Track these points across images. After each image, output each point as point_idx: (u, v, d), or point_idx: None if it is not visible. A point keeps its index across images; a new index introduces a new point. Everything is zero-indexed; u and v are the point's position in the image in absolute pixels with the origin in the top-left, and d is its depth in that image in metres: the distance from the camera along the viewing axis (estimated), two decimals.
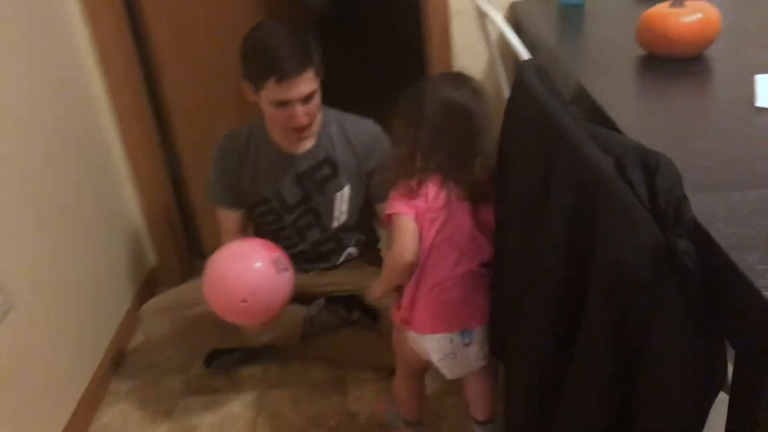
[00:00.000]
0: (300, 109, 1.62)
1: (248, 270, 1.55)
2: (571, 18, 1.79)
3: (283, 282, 1.58)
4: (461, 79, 1.33)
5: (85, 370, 1.82)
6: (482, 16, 1.58)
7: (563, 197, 0.88)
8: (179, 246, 2.32)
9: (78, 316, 1.80)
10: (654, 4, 1.79)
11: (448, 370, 1.37)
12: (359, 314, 1.86)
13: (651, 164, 0.84)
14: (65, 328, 1.73)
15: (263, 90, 1.61)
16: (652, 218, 0.79)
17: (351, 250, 1.93)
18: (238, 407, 1.80)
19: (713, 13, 1.29)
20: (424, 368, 1.50)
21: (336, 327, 1.89)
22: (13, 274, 1.52)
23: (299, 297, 1.91)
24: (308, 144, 1.77)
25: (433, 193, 1.29)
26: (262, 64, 1.59)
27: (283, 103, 1.62)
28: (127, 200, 2.22)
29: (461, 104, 1.28)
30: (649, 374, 0.84)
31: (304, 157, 1.77)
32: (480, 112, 1.29)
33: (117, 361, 1.99)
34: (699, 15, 1.28)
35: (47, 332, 1.64)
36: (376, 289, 1.42)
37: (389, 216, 1.32)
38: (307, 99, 1.63)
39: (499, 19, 1.43)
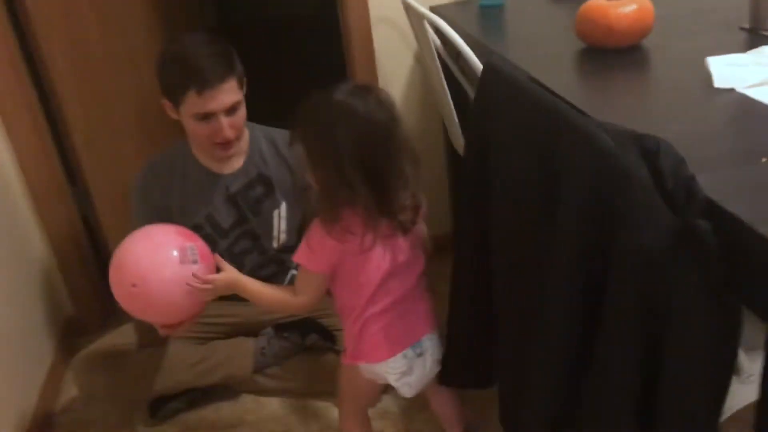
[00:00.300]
0: (225, 121, 1.54)
1: (146, 251, 1.33)
2: (493, 18, 1.81)
3: (186, 274, 1.31)
4: (368, 92, 1.16)
5: None
6: (418, 18, 1.56)
7: (575, 187, 0.86)
8: (97, 290, 2.13)
9: None
10: (571, 4, 1.86)
11: (408, 388, 1.32)
12: (316, 338, 1.78)
13: (650, 148, 0.84)
14: None
15: (184, 104, 1.53)
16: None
17: (294, 272, 1.84)
18: None
19: (647, 3, 1.33)
20: (377, 398, 1.44)
21: (289, 355, 1.80)
22: None
23: (245, 329, 1.81)
24: (238, 162, 1.68)
25: (361, 232, 1.17)
26: (180, 76, 1.50)
27: (206, 116, 1.53)
28: (34, 244, 2.01)
29: (380, 125, 1.13)
30: (673, 355, 0.83)
31: (235, 177, 1.68)
32: (398, 130, 1.16)
33: (46, 426, 1.78)
34: (634, 6, 1.32)
35: None
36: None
37: (296, 260, 1.23)
38: (231, 110, 1.55)
39: (440, 21, 1.42)
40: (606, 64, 1.33)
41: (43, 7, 1.85)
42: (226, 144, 1.59)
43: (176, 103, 1.54)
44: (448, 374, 1.37)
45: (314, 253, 1.19)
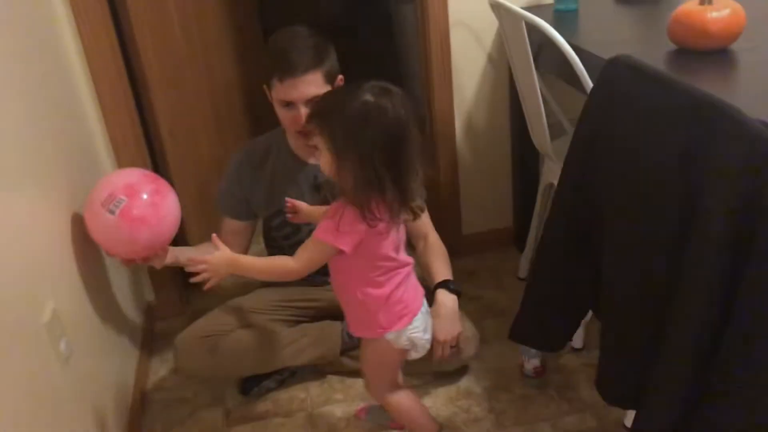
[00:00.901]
0: (304, 111, 1.60)
1: (101, 182, 1.56)
2: (569, 22, 1.92)
3: (101, 219, 1.50)
4: (391, 93, 1.26)
5: (119, 419, 1.69)
6: (512, 19, 1.67)
7: (722, 172, 0.96)
8: (176, 277, 2.22)
9: (101, 360, 1.67)
10: (635, 6, 1.98)
11: (425, 346, 1.50)
12: None
13: None
14: (91, 375, 1.58)
15: (273, 90, 1.63)
16: None
17: None
18: (291, 429, 1.75)
19: (739, 8, 1.45)
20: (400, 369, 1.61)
21: None
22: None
23: (331, 312, 1.90)
24: None
25: (386, 217, 1.30)
26: (271, 63, 1.61)
27: (288, 104, 1.63)
28: None
29: (406, 125, 1.24)
30: None
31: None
32: (415, 129, 1.27)
33: (143, 404, 1.87)
34: (728, 11, 1.43)
35: (78, 377, 1.50)
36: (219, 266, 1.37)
37: (321, 238, 1.32)
38: (312, 103, 1.63)
39: (542, 22, 1.53)
40: (699, 64, 1.45)
41: (138, 5, 1.96)
42: (305, 133, 1.67)
43: (269, 87, 1.64)
44: (520, 331, 1.52)
45: (343, 234, 1.30)
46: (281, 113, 1.66)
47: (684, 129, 1.04)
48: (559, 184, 1.41)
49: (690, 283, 1.06)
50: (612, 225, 1.25)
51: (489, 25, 2.07)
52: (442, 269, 1.77)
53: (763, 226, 0.93)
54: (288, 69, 1.57)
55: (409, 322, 1.44)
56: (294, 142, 1.77)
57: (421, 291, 1.49)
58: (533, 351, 1.80)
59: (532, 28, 1.63)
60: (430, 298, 1.66)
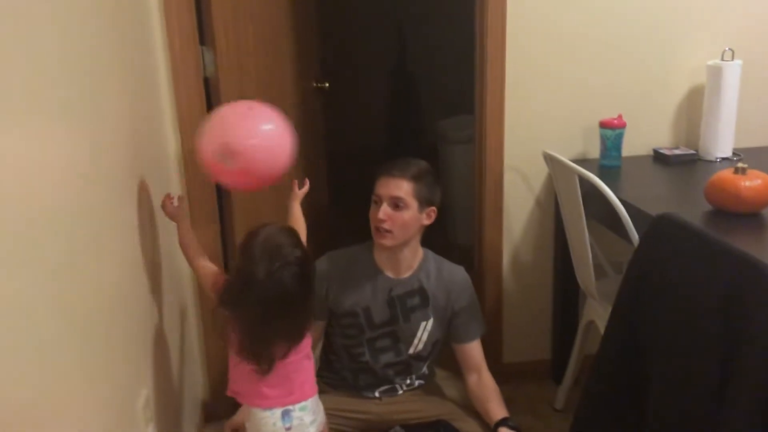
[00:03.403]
0: (385, 209, 1.82)
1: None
2: (613, 177, 2.14)
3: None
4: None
5: None
6: (566, 171, 1.90)
7: (757, 326, 1.12)
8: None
9: None
10: (672, 167, 2.21)
11: None
12: None
13: None
14: None
15: (375, 189, 1.87)
16: None
17: (414, 378, 2.06)
18: None
19: None
20: None
21: None
22: None
23: (377, 425, 2.00)
24: (407, 272, 1.95)
25: None
26: (382, 166, 1.87)
27: (376, 200, 1.86)
28: (191, 332, 2.27)
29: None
30: None
31: (400, 283, 1.95)
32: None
33: None
34: (759, 181, 1.64)
35: None
36: None
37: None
38: (395, 205, 1.82)
39: (595, 178, 1.75)
40: (733, 225, 1.64)
41: (219, 14, 2.17)
42: (380, 230, 1.86)
43: (374, 186, 1.88)
44: None
45: None
46: (371, 209, 1.88)
47: (723, 281, 1.21)
48: (607, 326, 1.57)
49: (730, 422, 1.18)
50: (657, 365, 1.40)
51: (540, 171, 2.31)
52: (499, 408, 1.90)
53: None
54: (389, 169, 1.84)
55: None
56: (380, 257, 1.95)
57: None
58: None
59: (581, 179, 1.85)
60: None
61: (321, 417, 1.62)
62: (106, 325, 1.26)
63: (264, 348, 1.47)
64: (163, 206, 1.68)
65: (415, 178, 1.84)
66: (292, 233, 1.54)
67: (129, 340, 1.44)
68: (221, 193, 2.26)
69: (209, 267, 1.64)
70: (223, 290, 1.51)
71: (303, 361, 1.58)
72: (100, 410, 1.18)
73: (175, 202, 1.69)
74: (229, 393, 1.62)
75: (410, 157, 1.91)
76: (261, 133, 1.53)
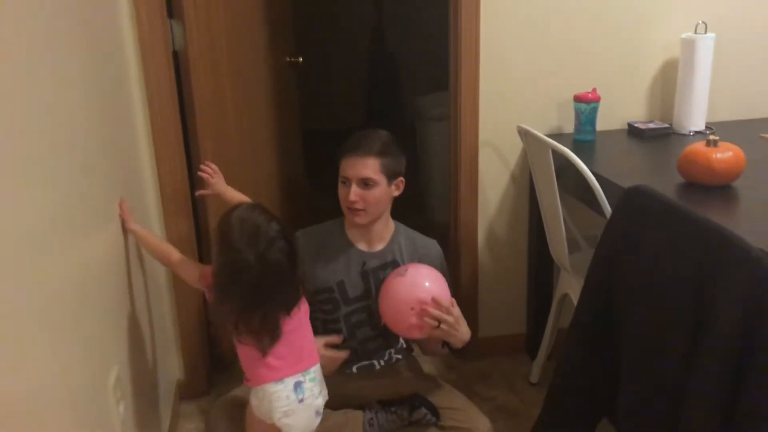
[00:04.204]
0: (355, 190, 1.81)
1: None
2: (587, 151, 2.14)
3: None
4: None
5: None
6: (540, 145, 1.89)
7: (730, 296, 1.13)
8: (206, 359, 2.34)
9: (141, 429, 1.77)
10: (646, 141, 2.22)
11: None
12: (424, 412, 1.97)
13: None
14: None
15: (340, 170, 1.85)
16: None
17: (393, 353, 2.06)
18: None
19: (739, 150, 1.66)
20: None
21: (395, 428, 1.98)
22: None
23: (353, 402, 2.00)
24: (379, 246, 1.94)
25: None
26: (343, 146, 1.85)
27: (344, 181, 1.84)
28: (165, 313, 2.24)
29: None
30: None
31: (373, 256, 1.94)
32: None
33: None
34: (730, 153, 1.65)
35: None
36: None
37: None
38: (364, 184, 1.81)
39: (569, 152, 1.75)
40: (705, 197, 1.65)
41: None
42: (351, 208, 1.85)
43: (338, 166, 1.86)
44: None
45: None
46: (339, 189, 1.87)
47: (696, 252, 1.22)
48: (580, 298, 1.58)
49: (700, 387, 1.20)
50: (630, 334, 1.41)
51: (514, 146, 2.31)
52: None
53: (762, 338, 1.09)
54: (352, 148, 1.81)
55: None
56: (352, 231, 1.94)
57: None
58: None
59: (555, 153, 1.85)
60: None
61: (326, 389, 1.64)
62: (75, 303, 1.23)
63: (267, 323, 1.48)
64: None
65: (381, 154, 1.82)
66: (261, 208, 1.52)
67: (100, 319, 1.42)
68: (193, 183, 2.23)
69: (188, 262, 1.64)
70: (215, 285, 1.48)
71: (304, 328, 1.60)
72: (67, 388, 1.16)
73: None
74: (246, 383, 1.61)
75: (369, 130, 1.88)
76: None
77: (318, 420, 1.62)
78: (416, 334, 1.81)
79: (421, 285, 1.77)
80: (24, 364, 0.98)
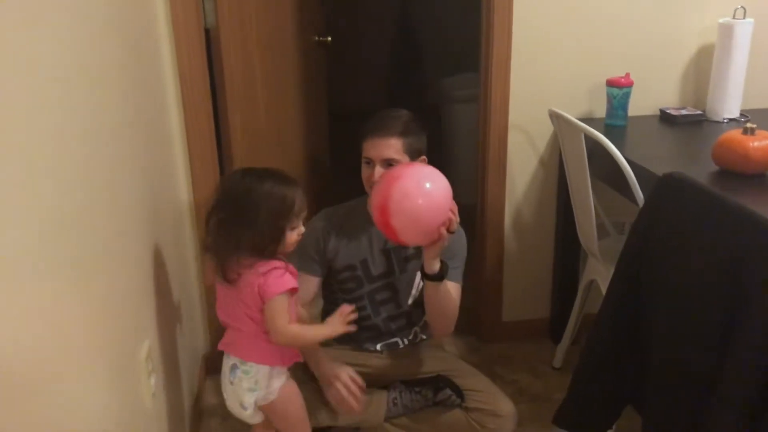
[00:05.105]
0: (378, 170, 1.79)
1: None
2: (618, 136, 2.12)
3: None
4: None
5: None
6: (572, 129, 1.87)
7: (763, 285, 1.12)
8: None
9: (170, 404, 1.80)
10: (678, 127, 2.18)
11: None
12: (448, 393, 1.98)
13: None
14: (164, 416, 1.70)
15: (362, 150, 1.83)
16: None
17: (417, 329, 2.07)
18: None
19: None
20: None
21: (418, 408, 2.00)
22: None
23: (376, 380, 2.02)
24: None
25: None
26: (367, 125, 1.83)
27: (368, 161, 1.82)
28: (193, 288, 2.27)
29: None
30: None
31: None
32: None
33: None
34: (767, 141, 1.62)
35: (158, 415, 1.62)
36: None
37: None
38: (388, 164, 1.79)
39: (602, 137, 1.73)
40: (739, 185, 1.62)
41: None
42: None
43: (360, 147, 1.84)
44: (563, 417, 1.64)
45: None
46: (363, 169, 1.86)
47: (731, 240, 1.21)
48: (610, 284, 1.57)
49: (731, 378, 1.19)
50: (659, 323, 1.40)
51: (544, 130, 2.29)
52: None
53: None
54: (374, 129, 1.80)
55: None
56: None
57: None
58: None
59: (586, 138, 1.83)
60: None
61: (264, 393, 1.61)
62: (108, 274, 1.25)
63: (230, 255, 1.50)
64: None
65: (403, 134, 1.81)
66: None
67: (131, 291, 1.44)
68: (222, 156, 2.24)
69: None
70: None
71: (244, 318, 1.57)
72: (103, 361, 1.18)
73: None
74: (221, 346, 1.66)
75: (390, 109, 1.87)
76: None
77: (246, 414, 1.62)
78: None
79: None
80: (65, 335, 1.00)
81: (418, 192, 1.59)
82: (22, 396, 0.83)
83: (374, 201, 1.66)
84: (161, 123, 1.99)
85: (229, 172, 1.56)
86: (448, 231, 1.66)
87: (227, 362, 1.62)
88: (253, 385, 1.59)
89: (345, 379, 1.81)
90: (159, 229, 1.78)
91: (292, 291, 1.55)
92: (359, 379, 1.82)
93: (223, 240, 1.50)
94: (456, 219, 1.67)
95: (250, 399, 1.59)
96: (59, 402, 0.96)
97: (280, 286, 1.50)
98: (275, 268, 1.51)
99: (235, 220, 1.49)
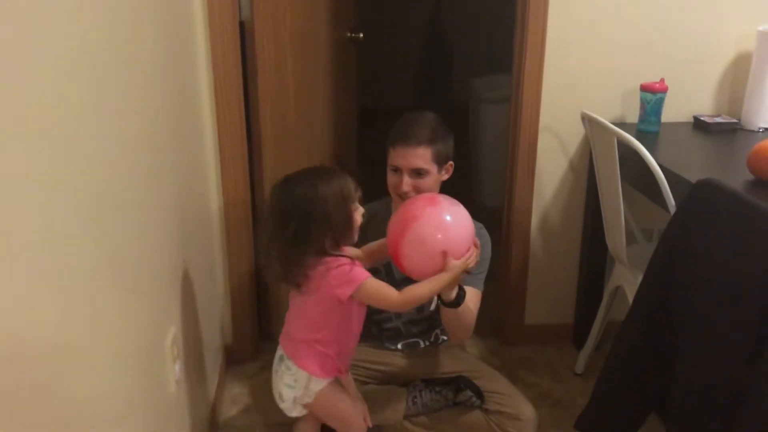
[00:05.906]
0: (407, 179, 1.79)
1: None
2: (650, 142, 2.09)
3: None
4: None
5: None
6: (605, 133, 1.85)
7: None
8: (254, 326, 2.38)
9: (192, 391, 1.82)
10: (712, 135, 2.15)
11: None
12: (469, 394, 1.97)
13: None
14: (186, 403, 1.71)
15: (389, 156, 1.83)
16: None
17: (438, 331, 2.07)
18: None
19: None
20: None
21: (438, 407, 2.00)
22: None
23: (396, 378, 2.02)
24: None
25: None
26: (392, 133, 1.82)
27: (395, 169, 1.82)
28: (218, 279, 2.29)
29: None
30: None
31: None
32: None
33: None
34: None
35: (182, 402, 1.64)
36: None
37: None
38: (415, 174, 1.80)
39: (636, 142, 1.71)
40: None
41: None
42: (404, 197, 1.84)
43: (387, 154, 1.84)
44: (586, 422, 1.61)
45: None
46: (389, 176, 1.86)
47: (765, 250, 1.19)
48: (638, 290, 1.55)
49: (762, 391, 1.17)
50: (687, 332, 1.38)
51: (575, 133, 2.27)
52: None
53: None
54: (402, 138, 1.79)
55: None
56: (395, 208, 1.93)
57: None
58: None
59: (618, 143, 1.81)
60: None
61: (302, 393, 1.63)
62: (136, 259, 1.27)
63: (294, 264, 1.51)
64: None
65: (431, 142, 1.80)
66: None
67: (158, 276, 1.46)
68: (251, 148, 2.26)
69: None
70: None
71: (306, 314, 1.61)
72: (131, 345, 1.20)
73: None
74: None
75: (416, 114, 1.86)
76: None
77: (282, 405, 1.66)
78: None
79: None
80: (96, 319, 1.01)
81: (433, 239, 1.56)
82: (57, 375, 0.85)
83: (389, 235, 1.65)
84: (194, 116, 2.01)
85: (272, 191, 1.54)
86: (465, 272, 1.63)
87: (279, 351, 1.67)
88: (292, 383, 1.62)
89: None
90: (188, 219, 1.80)
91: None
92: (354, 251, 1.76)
93: (300, 248, 1.50)
94: (475, 259, 1.64)
95: (288, 394, 1.63)
96: (91, 383, 0.98)
97: (362, 273, 1.55)
98: (342, 264, 1.54)
99: (309, 228, 1.49)
